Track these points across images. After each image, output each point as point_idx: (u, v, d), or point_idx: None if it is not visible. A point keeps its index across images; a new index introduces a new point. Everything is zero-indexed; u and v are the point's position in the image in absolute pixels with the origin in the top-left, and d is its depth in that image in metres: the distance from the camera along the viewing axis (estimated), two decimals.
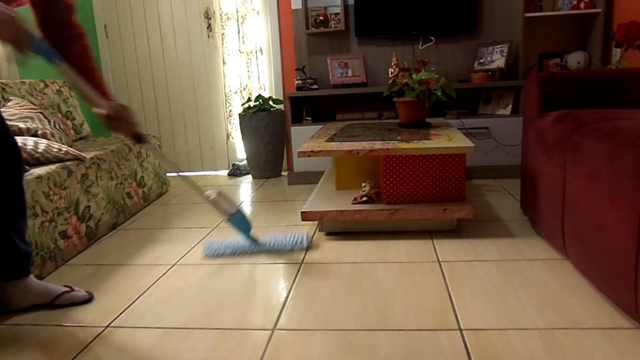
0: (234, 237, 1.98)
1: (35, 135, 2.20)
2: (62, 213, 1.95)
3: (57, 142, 2.23)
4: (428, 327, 1.28)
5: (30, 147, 1.99)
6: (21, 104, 2.35)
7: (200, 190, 1.79)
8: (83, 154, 2.20)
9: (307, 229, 2.19)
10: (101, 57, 3.73)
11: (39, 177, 1.83)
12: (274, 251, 1.92)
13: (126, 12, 3.67)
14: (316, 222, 2.23)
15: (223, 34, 3.54)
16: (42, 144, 2.06)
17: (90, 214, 2.17)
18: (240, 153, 3.78)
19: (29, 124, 2.20)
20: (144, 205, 2.77)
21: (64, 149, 2.12)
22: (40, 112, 2.36)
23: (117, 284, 1.69)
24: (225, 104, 3.69)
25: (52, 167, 1.98)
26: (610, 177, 1.24)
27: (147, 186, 2.84)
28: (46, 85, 2.88)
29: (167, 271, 1.79)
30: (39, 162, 2.01)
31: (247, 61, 3.55)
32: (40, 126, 2.24)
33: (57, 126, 2.43)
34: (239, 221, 1.86)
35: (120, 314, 1.46)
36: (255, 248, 1.92)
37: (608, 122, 1.44)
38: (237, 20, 3.51)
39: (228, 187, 3.23)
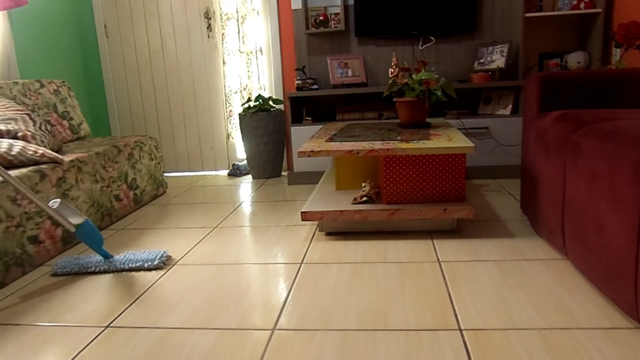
0: (86, 254, 1.90)
1: (15, 137, 2.14)
2: (33, 217, 1.89)
3: (38, 144, 2.18)
4: (428, 327, 1.28)
5: (4, 150, 1.95)
6: (7, 106, 2.31)
7: (41, 201, 1.69)
8: (60, 157, 2.13)
9: (306, 229, 2.19)
10: (101, 57, 3.73)
11: (5, 181, 1.75)
12: (125, 269, 1.80)
13: (126, 12, 3.67)
14: (316, 222, 2.23)
15: (223, 34, 3.54)
16: (17, 146, 2.01)
17: None
18: (240, 153, 3.78)
19: (10, 126, 2.15)
20: (135, 207, 2.72)
21: (40, 152, 2.06)
22: (27, 114, 2.31)
23: (117, 284, 1.69)
24: (225, 104, 3.69)
25: (24, 170, 1.92)
26: (610, 177, 1.24)
27: (140, 188, 2.79)
28: (42, 85, 2.84)
29: (167, 271, 1.79)
30: (12, 165, 1.95)
31: (247, 61, 3.55)
32: (23, 127, 2.19)
33: (43, 127, 2.33)
34: (88, 233, 1.76)
35: (120, 314, 1.46)
36: (106, 265, 1.80)
37: (608, 122, 1.44)
38: (237, 20, 3.51)
39: (228, 187, 3.23)
